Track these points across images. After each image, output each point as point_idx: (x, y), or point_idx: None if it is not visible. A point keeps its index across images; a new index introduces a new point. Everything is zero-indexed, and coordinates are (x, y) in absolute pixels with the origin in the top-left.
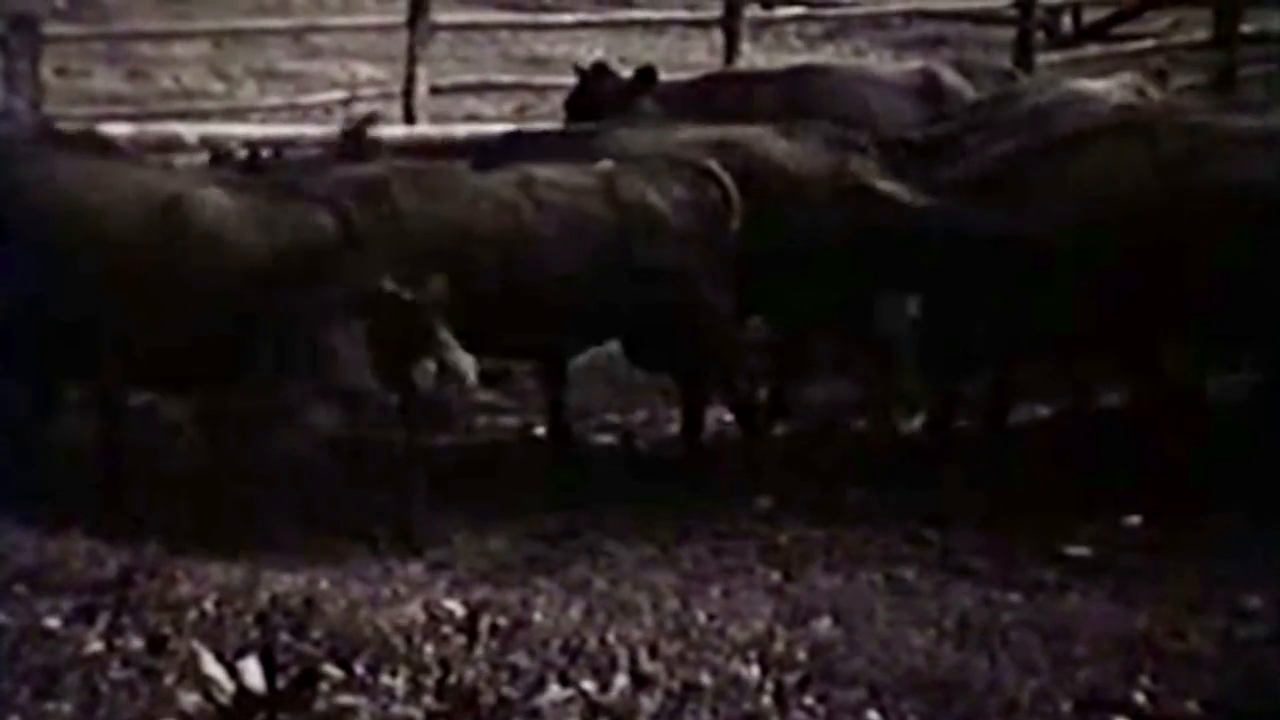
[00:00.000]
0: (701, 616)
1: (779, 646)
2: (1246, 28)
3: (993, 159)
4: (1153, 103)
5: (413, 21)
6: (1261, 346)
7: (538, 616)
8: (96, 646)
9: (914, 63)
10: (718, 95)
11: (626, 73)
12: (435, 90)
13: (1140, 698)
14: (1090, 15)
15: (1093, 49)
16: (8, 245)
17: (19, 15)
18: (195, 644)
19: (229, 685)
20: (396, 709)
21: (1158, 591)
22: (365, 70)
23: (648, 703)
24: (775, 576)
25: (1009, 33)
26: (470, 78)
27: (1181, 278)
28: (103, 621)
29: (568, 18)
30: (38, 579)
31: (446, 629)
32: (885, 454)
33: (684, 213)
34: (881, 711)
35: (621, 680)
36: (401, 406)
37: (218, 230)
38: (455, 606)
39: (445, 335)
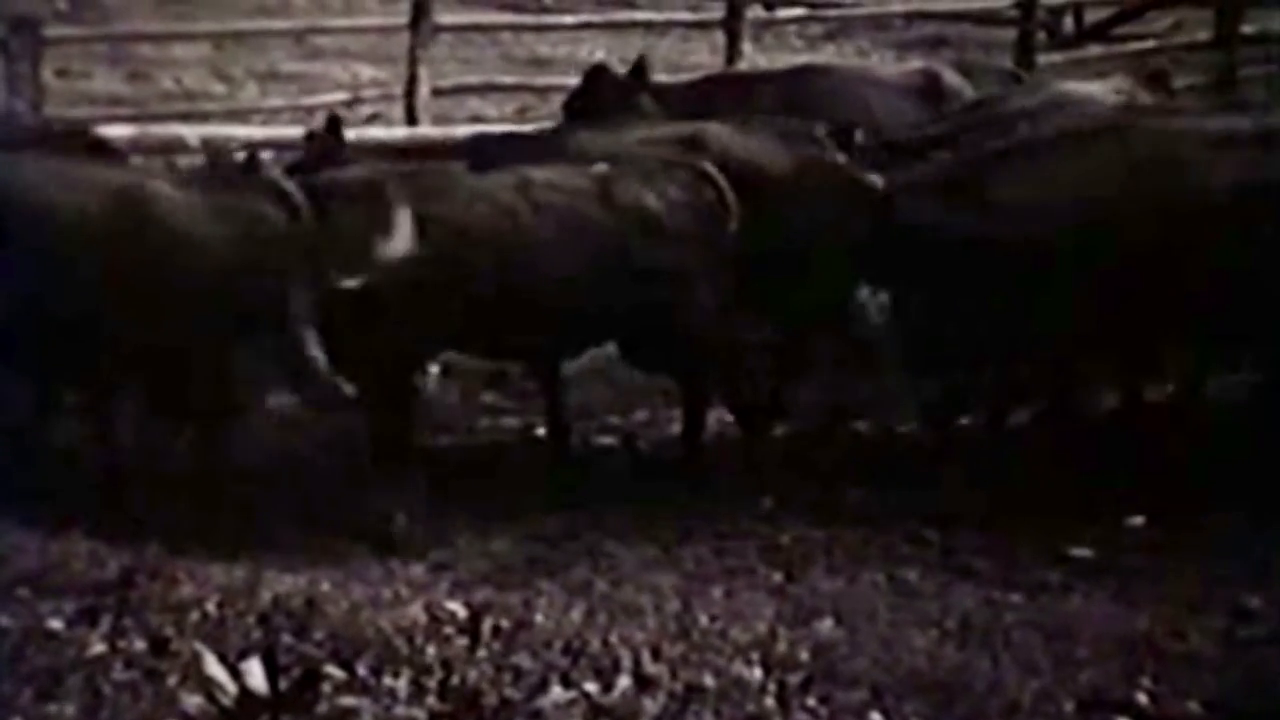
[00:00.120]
0: (704, 618)
1: (781, 647)
2: (1247, 28)
3: (956, 161)
4: (1136, 105)
5: (415, 23)
6: (1246, 347)
7: (540, 618)
8: (99, 648)
9: (915, 63)
10: (719, 96)
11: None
12: (437, 92)
13: (1142, 698)
14: (1092, 16)
15: (1094, 50)
16: None
17: (20, 17)
18: (198, 645)
19: (231, 686)
20: (399, 710)
21: (1159, 592)
22: (367, 72)
23: (650, 704)
24: (777, 577)
25: (1010, 33)
26: (472, 79)
27: (1151, 280)
28: (105, 623)
29: (569, 19)
30: (40, 581)
31: (449, 630)
32: (886, 454)
33: (680, 214)
34: (884, 712)
35: (624, 681)
36: (365, 402)
37: (169, 223)
38: (457, 608)
39: None
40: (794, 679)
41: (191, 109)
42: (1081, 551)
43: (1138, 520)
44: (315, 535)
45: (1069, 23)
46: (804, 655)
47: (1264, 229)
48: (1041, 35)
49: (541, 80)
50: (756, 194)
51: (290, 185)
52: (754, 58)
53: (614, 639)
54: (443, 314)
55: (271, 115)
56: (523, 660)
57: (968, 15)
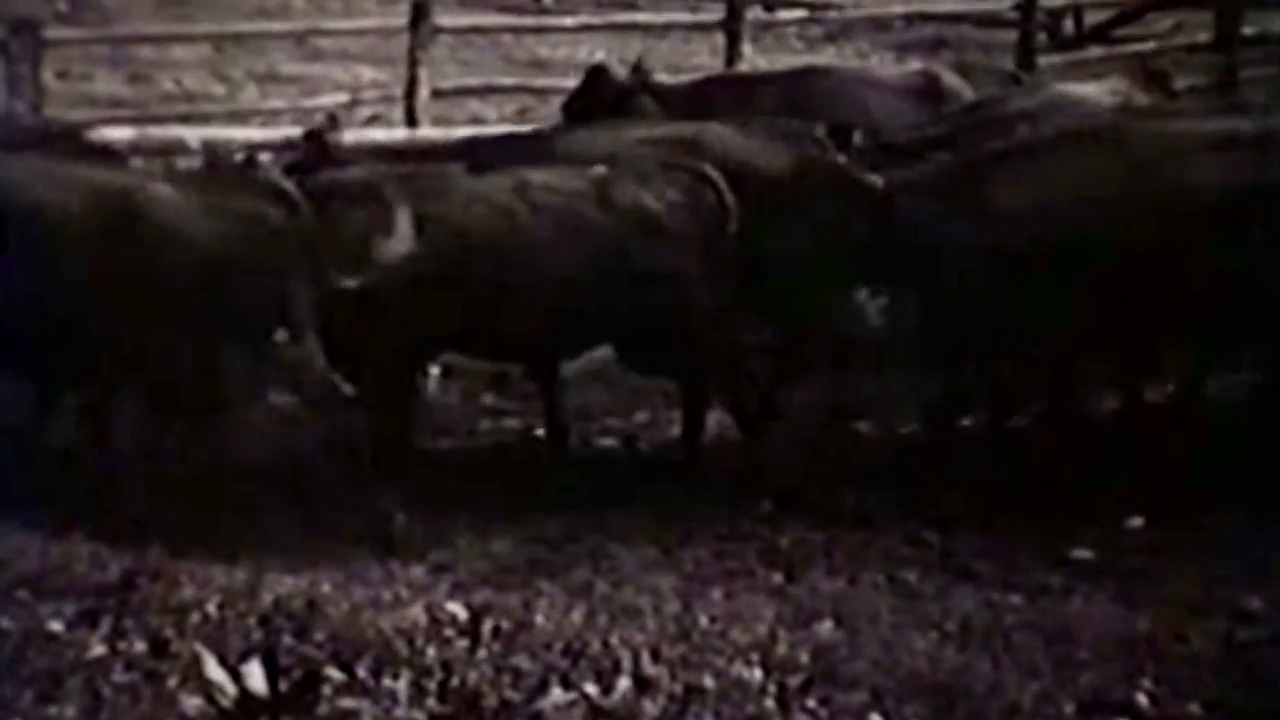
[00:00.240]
0: (704, 619)
1: (781, 649)
2: (1248, 30)
3: (952, 163)
4: (1132, 107)
5: (414, 24)
6: (1244, 348)
7: (540, 619)
8: (99, 650)
9: (915, 65)
10: (719, 98)
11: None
12: (437, 93)
13: (1142, 700)
14: (1092, 17)
15: (1095, 51)
16: None
17: (20, 19)
18: (198, 647)
19: (232, 688)
20: (399, 712)
21: (1160, 594)
22: (367, 73)
23: (650, 706)
24: (777, 579)
25: (1011, 35)
26: (472, 81)
27: (1147, 282)
28: (105, 625)
29: (569, 21)
30: (41, 583)
31: (449, 632)
32: (886, 456)
33: (679, 216)
34: (884, 714)
35: (624, 683)
36: (365, 402)
37: (168, 223)
38: (458, 609)
39: None
40: (794, 681)
41: (192, 111)
42: (1082, 553)
43: (1138, 522)
44: (316, 537)
45: (1069, 24)
46: (804, 657)
47: (1257, 231)
48: (1042, 37)
49: (541, 82)
50: (754, 195)
51: (289, 184)
52: (754, 59)
53: (614, 641)
54: (441, 315)
55: (272, 117)
56: (523, 662)
57: (968, 17)
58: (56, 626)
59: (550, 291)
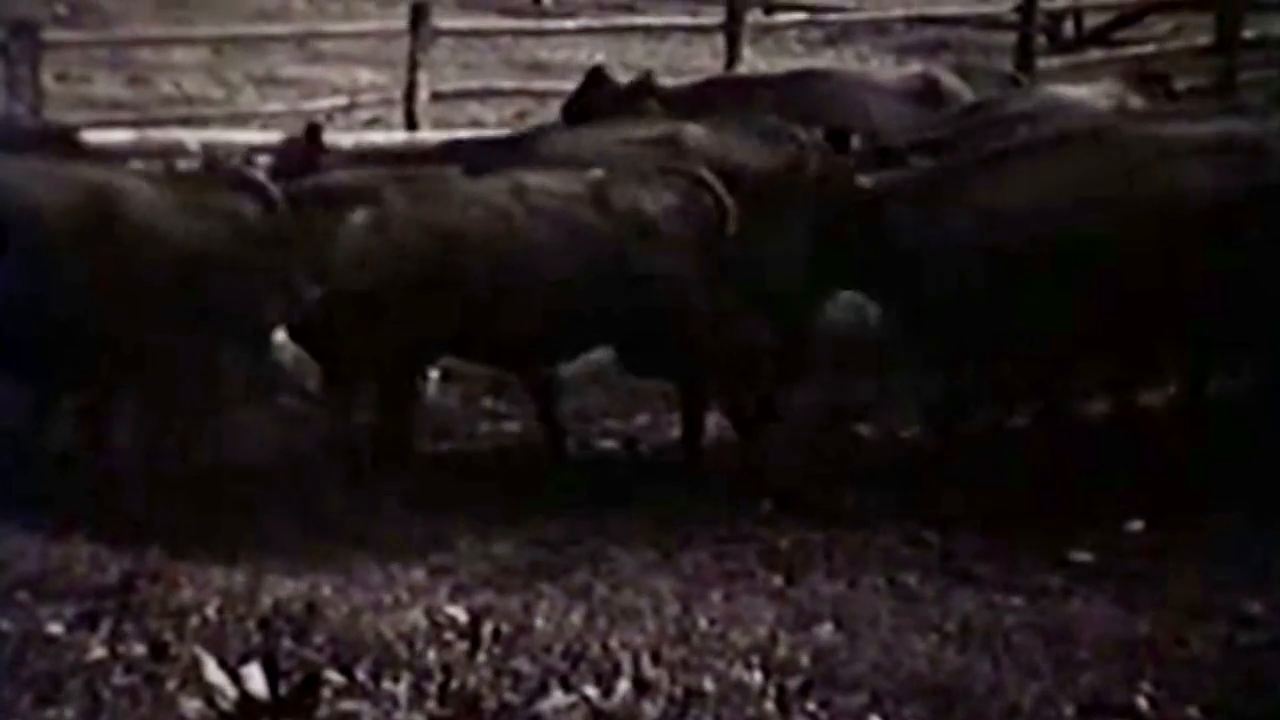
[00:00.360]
0: (703, 622)
1: (781, 651)
2: (1248, 33)
3: (939, 167)
4: (1125, 110)
5: (414, 27)
6: (1243, 351)
7: (540, 622)
8: (99, 652)
9: (914, 68)
10: (719, 100)
11: (627, 78)
12: (437, 96)
13: (1142, 702)
14: (1092, 20)
15: (1094, 54)
16: None
17: (19, 21)
18: (198, 650)
19: (231, 691)
20: (399, 715)
21: (1160, 596)
22: (367, 76)
23: (650, 708)
24: (777, 581)
25: (1011, 38)
26: (472, 83)
27: (1140, 285)
28: (105, 627)
29: (569, 23)
30: (40, 585)
31: (449, 635)
32: (886, 457)
33: (676, 219)
34: (884, 716)
35: (624, 686)
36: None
37: (145, 220)
38: (457, 612)
39: None
40: (794, 683)
41: (191, 114)
42: (1082, 555)
43: (1138, 524)
44: (315, 539)
45: (1069, 27)
46: (804, 659)
47: (1253, 233)
48: (1042, 40)
49: (541, 85)
50: (732, 193)
51: (268, 182)
52: (754, 62)
53: (614, 643)
54: (437, 318)
55: (271, 120)
56: (523, 664)
57: (968, 20)
58: (56, 629)
59: (546, 294)
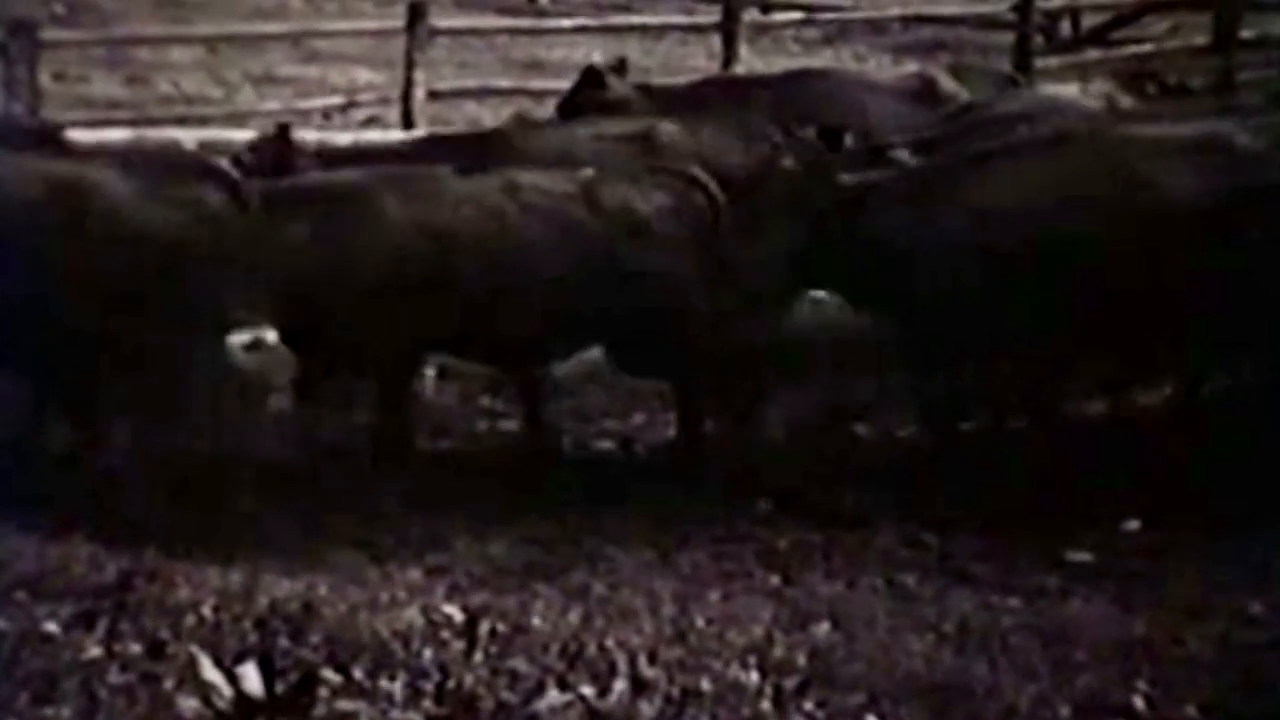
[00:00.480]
0: (700, 621)
1: (778, 651)
2: (1245, 33)
3: (919, 166)
4: (1114, 110)
5: (411, 26)
6: (1241, 351)
7: (536, 621)
8: (95, 652)
9: (911, 68)
10: (715, 100)
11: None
12: (433, 95)
13: (1139, 702)
14: (1089, 20)
15: (1092, 54)
16: None
17: (17, 20)
18: (194, 649)
19: (228, 690)
20: (395, 714)
21: (1157, 597)
22: (363, 75)
23: (647, 708)
24: (774, 581)
25: (1008, 37)
26: (469, 83)
27: (1132, 286)
28: (102, 627)
29: (566, 23)
30: (37, 584)
31: (445, 634)
32: (884, 458)
33: (668, 219)
34: (881, 716)
35: (620, 685)
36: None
37: (113, 210)
38: (454, 611)
39: None
40: (791, 683)
41: (188, 113)
42: (1079, 556)
43: (1135, 524)
44: (312, 539)
45: (1066, 27)
46: (801, 659)
47: (1251, 234)
48: (1039, 39)
49: (538, 84)
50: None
51: (239, 176)
52: (750, 61)
53: (611, 643)
54: (432, 317)
55: (268, 118)
56: (519, 664)
57: (965, 19)
58: (53, 628)
59: (539, 293)
